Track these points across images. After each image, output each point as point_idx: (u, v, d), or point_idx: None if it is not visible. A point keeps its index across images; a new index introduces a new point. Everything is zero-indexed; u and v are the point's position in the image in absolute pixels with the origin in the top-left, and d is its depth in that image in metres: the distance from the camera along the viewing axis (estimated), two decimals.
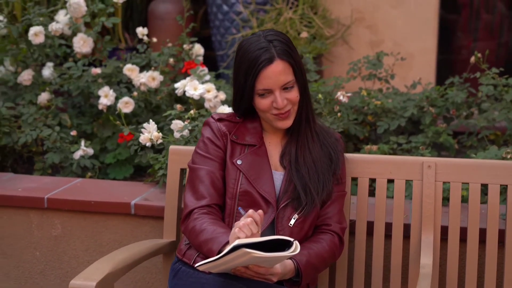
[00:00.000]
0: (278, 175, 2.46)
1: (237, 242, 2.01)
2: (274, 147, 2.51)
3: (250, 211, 2.16)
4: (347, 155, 2.68)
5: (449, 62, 5.43)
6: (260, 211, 2.16)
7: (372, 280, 2.68)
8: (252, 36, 2.41)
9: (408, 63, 4.76)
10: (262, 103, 2.39)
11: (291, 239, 2.10)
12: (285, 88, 2.37)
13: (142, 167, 3.90)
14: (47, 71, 4.17)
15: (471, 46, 5.42)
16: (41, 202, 3.15)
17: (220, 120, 2.50)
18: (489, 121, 3.77)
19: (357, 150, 3.87)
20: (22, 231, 3.22)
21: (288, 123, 2.43)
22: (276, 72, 2.34)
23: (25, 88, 4.08)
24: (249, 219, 2.14)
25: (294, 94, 2.39)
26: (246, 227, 2.12)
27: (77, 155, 3.60)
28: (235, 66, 2.43)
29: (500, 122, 3.85)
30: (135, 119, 4.01)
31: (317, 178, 2.45)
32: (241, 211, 2.23)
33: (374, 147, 3.59)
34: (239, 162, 2.43)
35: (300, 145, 2.48)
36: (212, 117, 2.52)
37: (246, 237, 2.11)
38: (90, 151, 3.64)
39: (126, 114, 3.94)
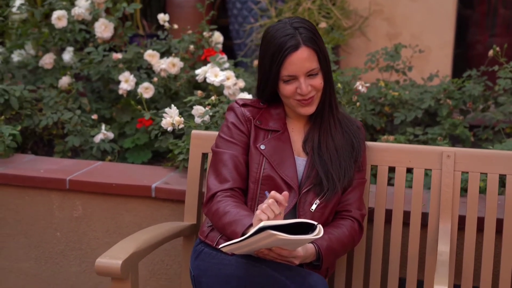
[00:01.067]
0: (301, 161, 2.50)
1: (262, 224, 2.05)
2: (297, 133, 2.55)
3: (273, 192, 2.20)
4: (367, 143, 2.72)
5: (465, 56, 5.45)
6: (285, 193, 2.20)
7: (389, 267, 2.71)
8: (278, 23, 2.45)
9: (424, 56, 4.78)
10: (286, 89, 2.42)
11: (315, 223, 2.13)
12: (309, 74, 2.41)
13: (160, 152, 3.94)
14: (67, 55, 4.21)
15: (487, 41, 5.42)
16: (63, 184, 3.20)
17: (244, 105, 2.54)
18: (506, 115, 3.80)
19: (374, 140, 3.89)
20: (43, 212, 3.27)
21: (311, 109, 2.46)
22: (301, 59, 2.38)
23: (45, 72, 4.12)
24: (270, 200, 2.17)
25: (318, 81, 2.43)
26: (268, 209, 2.16)
27: (98, 138, 3.64)
28: (261, 52, 2.46)
29: None
30: (154, 105, 4.05)
31: (339, 165, 2.49)
32: (267, 194, 2.27)
33: (391, 138, 3.62)
34: (262, 147, 2.47)
35: (323, 132, 2.52)
36: (236, 102, 2.56)
37: (269, 219, 2.15)
38: (111, 135, 3.68)
39: (145, 100, 3.99)
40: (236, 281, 2.27)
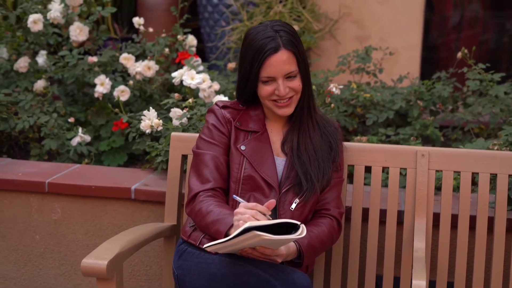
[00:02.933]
0: (280, 161, 2.56)
1: (248, 224, 2.10)
2: (276, 134, 2.61)
3: (254, 204, 2.25)
4: (345, 143, 2.79)
5: (433, 58, 5.56)
6: (271, 201, 2.26)
7: (366, 264, 2.78)
8: (260, 25, 2.51)
9: (393, 58, 4.87)
10: (264, 89, 2.48)
11: (298, 223, 2.19)
12: (288, 77, 2.47)
13: (135, 155, 3.98)
14: (41, 59, 4.22)
15: (454, 43, 5.55)
16: (42, 187, 3.21)
17: (224, 107, 2.59)
18: (474, 115, 3.91)
19: (346, 141, 3.95)
20: (22, 215, 3.28)
21: (288, 110, 2.53)
22: (281, 61, 2.44)
23: (20, 76, 4.13)
24: (254, 211, 2.23)
25: (296, 83, 2.49)
26: (252, 220, 2.21)
27: (75, 141, 3.66)
28: (242, 53, 2.52)
29: (485, 116, 3.99)
30: (128, 108, 4.08)
31: (318, 165, 2.55)
32: (237, 198, 2.33)
33: (364, 139, 3.70)
34: (243, 147, 2.53)
35: (301, 133, 2.58)
36: (216, 104, 2.61)
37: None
38: (87, 138, 3.70)
39: (118, 103, 4.01)
40: (219, 280, 2.32)
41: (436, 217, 2.76)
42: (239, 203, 2.31)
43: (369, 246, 2.79)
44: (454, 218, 2.75)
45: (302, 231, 2.18)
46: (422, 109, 3.97)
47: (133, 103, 4.11)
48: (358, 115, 4.11)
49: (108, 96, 3.97)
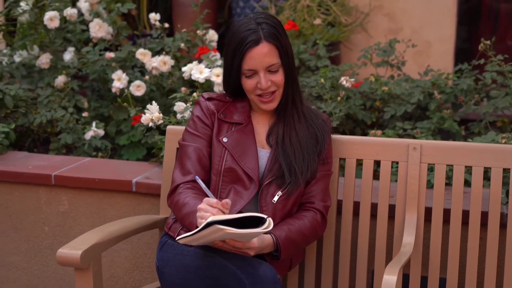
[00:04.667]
0: (264, 153, 2.55)
1: (211, 218, 2.11)
2: (262, 126, 2.60)
3: (206, 199, 2.27)
4: (336, 136, 2.76)
5: (468, 50, 5.43)
6: (225, 200, 2.26)
7: (357, 257, 2.75)
8: (244, 18, 2.51)
9: (426, 51, 4.79)
10: (248, 83, 2.48)
11: (265, 216, 2.18)
12: (269, 70, 2.46)
13: (154, 148, 4.02)
14: (68, 55, 4.31)
15: (489, 35, 5.40)
16: (48, 179, 3.29)
17: (209, 99, 2.60)
18: (496, 108, 3.80)
19: (364, 135, 3.93)
20: (32, 207, 3.37)
21: (272, 105, 2.52)
22: (261, 54, 2.44)
23: (47, 72, 4.23)
24: (215, 210, 2.23)
25: (278, 77, 2.48)
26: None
27: (88, 135, 3.73)
28: (225, 46, 2.53)
29: (510, 109, 3.86)
30: (150, 103, 4.11)
31: (302, 158, 2.53)
32: (198, 180, 2.33)
33: (379, 132, 3.65)
34: (225, 139, 2.53)
35: (286, 126, 2.57)
36: (202, 96, 2.63)
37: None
38: (101, 132, 3.76)
39: (142, 98, 4.06)
40: (193, 271, 2.33)
41: (428, 211, 2.70)
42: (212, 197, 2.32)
43: (360, 240, 2.75)
44: (447, 213, 2.68)
45: (269, 224, 2.17)
46: (442, 103, 3.88)
47: (157, 98, 4.15)
48: (377, 109, 4.05)
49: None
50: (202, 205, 2.25)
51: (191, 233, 2.18)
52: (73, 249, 2.33)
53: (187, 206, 2.38)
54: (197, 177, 2.35)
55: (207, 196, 2.34)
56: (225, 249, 2.28)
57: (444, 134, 3.91)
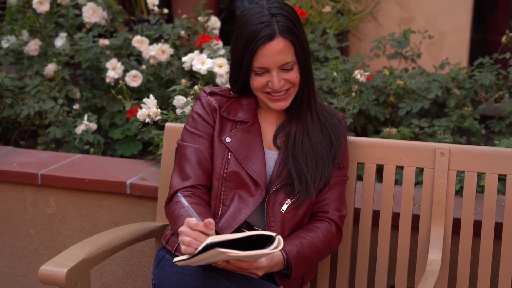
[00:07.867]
0: (272, 155, 2.28)
1: (209, 240, 1.84)
2: (269, 125, 2.32)
3: (188, 219, 1.97)
4: (353, 138, 2.49)
5: (484, 42, 5.16)
6: (208, 220, 1.95)
7: (376, 273, 2.48)
8: (255, 6, 2.22)
9: (439, 42, 4.52)
10: (257, 81, 2.20)
11: (273, 234, 1.91)
12: (283, 68, 2.18)
13: (151, 144, 3.74)
14: (59, 41, 4.03)
15: (507, 25, 5.12)
16: (35, 178, 3.02)
17: (212, 94, 2.32)
18: None
19: (377, 132, 3.65)
20: (16, 208, 3.10)
21: (283, 104, 2.24)
22: (275, 51, 2.15)
23: (31, 59, 3.94)
24: (195, 233, 1.94)
25: (293, 75, 2.20)
26: (194, 243, 1.93)
27: (80, 129, 3.45)
28: (233, 38, 2.24)
29: None
30: (147, 94, 3.83)
31: (315, 166, 2.26)
32: (181, 197, 2.03)
33: (394, 130, 3.38)
34: (228, 139, 2.25)
35: (299, 128, 2.29)
36: (204, 90, 2.34)
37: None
38: (93, 125, 3.48)
39: (138, 89, 3.78)
40: None
41: (457, 223, 2.42)
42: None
43: (380, 253, 2.48)
44: (477, 225, 2.41)
45: (279, 244, 1.89)
46: (461, 99, 3.60)
47: (155, 89, 3.87)
48: (391, 104, 3.76)
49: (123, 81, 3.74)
50: (182, 228, 1.96)
51: (186, 257, 1.91)
52: (57, 266, 2.06)
53: (181, 219, 2.08)
54: (179, 194, 2.06)
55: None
56: (229, 270, 2.00)
57: (462, 132, 3.63)
